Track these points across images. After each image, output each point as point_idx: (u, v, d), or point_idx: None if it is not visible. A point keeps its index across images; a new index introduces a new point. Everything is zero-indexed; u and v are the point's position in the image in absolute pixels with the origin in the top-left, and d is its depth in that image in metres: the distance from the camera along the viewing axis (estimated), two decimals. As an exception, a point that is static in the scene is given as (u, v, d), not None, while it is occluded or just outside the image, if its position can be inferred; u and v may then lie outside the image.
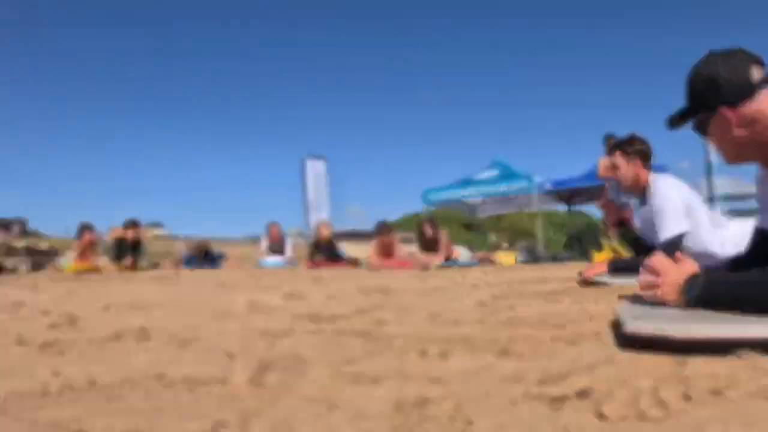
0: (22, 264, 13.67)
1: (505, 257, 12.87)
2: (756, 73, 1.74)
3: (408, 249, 11.86)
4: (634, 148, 3.87)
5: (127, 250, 10.62)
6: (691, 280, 1.68)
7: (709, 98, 1.80)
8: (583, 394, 1.17)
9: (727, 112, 1.74)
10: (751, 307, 1.49)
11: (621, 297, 2.53)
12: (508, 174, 16.10)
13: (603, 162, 8.84)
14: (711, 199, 11.22)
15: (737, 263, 2.03)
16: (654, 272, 1.80)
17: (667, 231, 3.53)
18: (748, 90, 1.74)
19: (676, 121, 1.94)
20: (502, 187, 16.17)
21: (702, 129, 1.89)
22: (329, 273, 7.14)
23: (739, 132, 1.74)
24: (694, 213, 3.61)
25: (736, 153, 1.83)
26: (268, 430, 1.05)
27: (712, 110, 1.80)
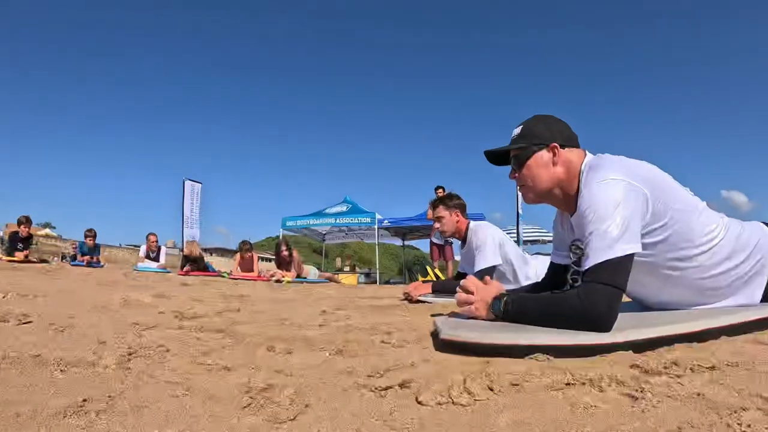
0: None
1: (348, 278, 12.95)
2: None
3: (266, 265, 11.62)
4: (454, 202, 4.04)
5: (20, 243, 9.69)
6: (497, 299, 1.73)
7: (544, 133, 1.82)
8: (404, 384, 1.16)
9: (557, 148, 1.78)
10: (539, 320, 1.56)
11: (440, 312, 2.59)
12: (355, 210, 16.31)
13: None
14: (518, 242, 11.93)
15: (536, 288, 2.13)
16: (468, 291, 1.84)
17: (482, 264, 3.69)
18: (574, 140, 1.84)
19: (496, 154, 1.91)
20: (349, 221, 16.33)
21: (522, 161, 1.84)
22: (195, 280, 6.81)
23: (558, 170, 1.79)
24: (504, 249, 3.80)
25: (546, 189, 1.83)
26: (130, 408, 1.00)
27: (544, 144, 1.80)
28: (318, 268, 10.58)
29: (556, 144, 1.78)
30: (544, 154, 1.79)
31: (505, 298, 1.69)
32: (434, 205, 4.11)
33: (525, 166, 1.82)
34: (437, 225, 4.08)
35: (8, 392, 1.06)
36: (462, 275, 4.06)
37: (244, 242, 9.31)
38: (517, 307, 1.64)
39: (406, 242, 20.67)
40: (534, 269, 3.85)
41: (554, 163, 1.78)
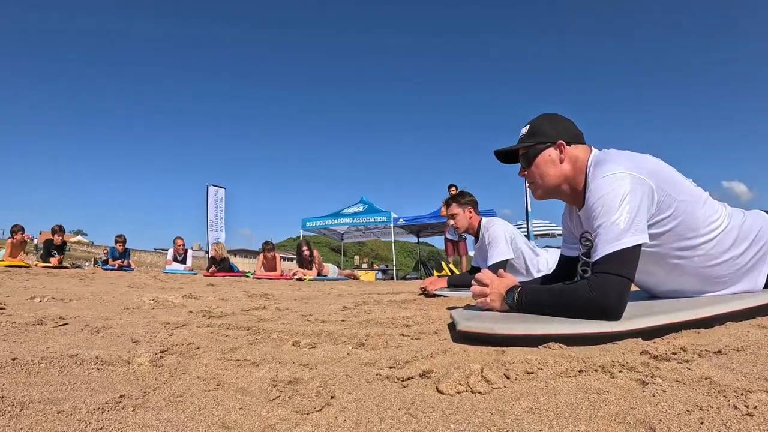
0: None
1: (366, 275, 12.94)
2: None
3: (288, 265, 11.66)
4: (466, 199, 4.04)
5: (54, 250, 9.84)
6: (510, 290, 1.73)
7: (551, 131, 1.81)
8: (424, 375, 1.16)
9: (563, 145, 1.77)
10: (551, 310, 1.57)
11: (456, 305, 2.59)
12: (372, 210, 16.31)
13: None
14: (528, 236, 11.85)
15: (547, 280, 2.12)
16: (482, 284, 1.85)
17: (495, 258, 3.69)
18: (579, 137, 1.83)
19: (505, 153, 1.93)
20: (366, 220, 16.33)
21: (530, 159, 1.83)
22: (221, 281, 6.85)
23: (565, 167, 1.78)
24: (516, 243, 3.80)
25: (554, 185, 1.82)
26: (164, 402, 1.02)
27: (551, 142, 1.79)
28: (337, 266, 10.59)
29: (562, 141, 1.77)
30: (551, 152, 1.79)
31: (518, 290, 1.70)
32: (447, 203, 4.12)
33: (533, 163, 1.82)
34: (451, 221, 4.08)
35: (49, 390, 1.08)
36: (476, 269, 4.05)
37: (266, 243, 9.31)
38: (530, 298, 1.65)
39: (421, 239, 20.61)
40: (545, 261, 3.84)
41: (561, 160, 1.78)
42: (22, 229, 9.72)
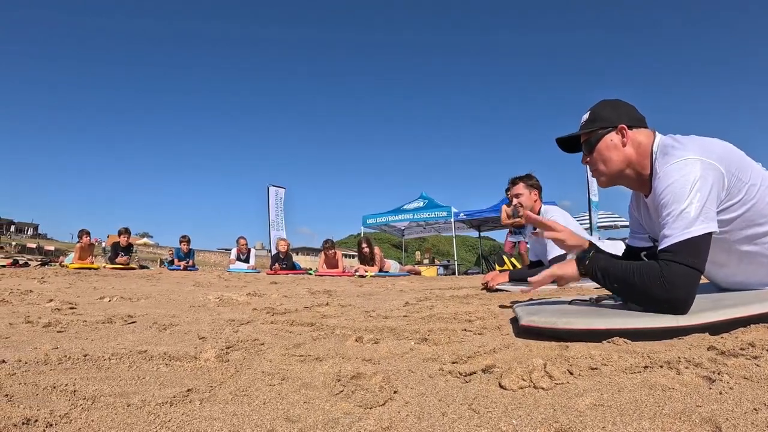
0: (33, 260, 13.42)
1: (427, 270, 12.92)
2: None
3: (349, 262, 11.79)
4: (533, 181, 3.97)
5: (121, 251, 10.32)
6: (586, 251, 1.73)
7: (612, 115, 1.78)
8: (487, 370, 1.17)
9: (625, 129, 1.74)
10: (618, 285, 1.55)
11: (518, 300, 2.56)
12: (432, 205, 16.28)
13: (506, 211, 8.97)
14: (591, 229, 11.55)
15: None
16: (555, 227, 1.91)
17: (556, 249, 3.60)
18: (642, 121, 1.79)
19: (567, 141, 1.91)
20: (427, 215, 16.31)
21: (592, 145, 1.81)
22: (284, 278, 7.01)
23: (629, 150, 1.74)
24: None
25: (618, 170, 1.78)
26: (230, 396, 1.06)
27: (612, 126, 1.76)
28: (398, 262, 10.62)
29: (623, 125, 1.73)
30: (613, 136, 1.75)
31: (592, 253, 1.70)
32: (514, 182, 4.04)
33: (595, 149, 1.78)
34: (515, 201, 4.01)
35: (119, 385, 1.14)
36: (536, 263, 3.99)
37: (326, 241, 9.41)
38: (603, 264, 1.63)
39: (482, 233, 20.42)
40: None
41: (624, 144, 1.74)
42: (88, 233, 10.26)
